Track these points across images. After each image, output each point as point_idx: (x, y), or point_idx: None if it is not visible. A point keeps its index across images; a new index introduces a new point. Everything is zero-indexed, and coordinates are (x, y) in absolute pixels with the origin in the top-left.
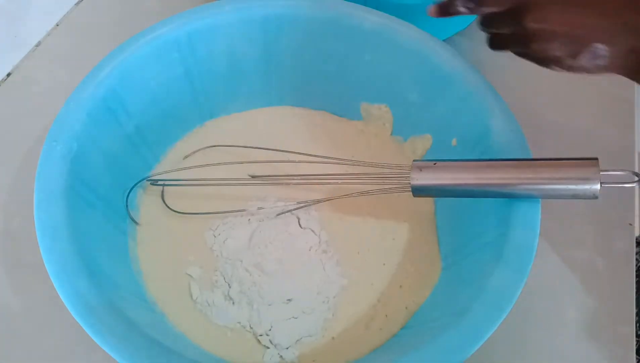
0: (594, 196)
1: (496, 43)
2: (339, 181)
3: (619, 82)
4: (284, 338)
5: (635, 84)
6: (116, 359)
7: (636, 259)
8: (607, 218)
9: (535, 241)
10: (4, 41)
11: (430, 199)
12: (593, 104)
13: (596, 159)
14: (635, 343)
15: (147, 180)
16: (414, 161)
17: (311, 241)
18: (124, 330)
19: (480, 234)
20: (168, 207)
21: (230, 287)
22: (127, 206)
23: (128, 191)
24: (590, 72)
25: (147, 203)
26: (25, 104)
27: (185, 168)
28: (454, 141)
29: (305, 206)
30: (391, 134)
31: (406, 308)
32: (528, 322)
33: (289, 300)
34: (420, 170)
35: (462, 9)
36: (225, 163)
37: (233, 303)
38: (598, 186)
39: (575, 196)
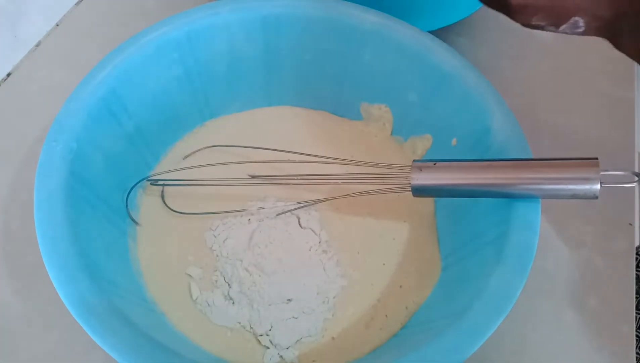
0: (594, 196)
1: (485, 3)
2: (339, 181)
3: (619, 82)
4: (284, 338)
5: (635, 84)
6: (116, 359)
7: (636, 259)
8: (607, 218)
9: (535, 241)
10: (4, 41)
11: (430, 199)
12: (593, 104)
13: (596, 159)
14: (635, 343)
15: (147, 180)
16: (414, 161)
17: (311, 241)
18: (124, 330)
19: (480, 234)
20: (168, 207)
21: (230, 287)
22: (127, 206)
23: (128, 191)
24: (573, 34)
25: (147, 203)
26: (25, 104)
27: (185, 168)
28: (454, 141)
29: (305, 206)
30: (391, 134)
31: (406, 308)
32: (528, 322)
33: (289, 300)
34: (420, 170)
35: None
36: (225, 163)
37: (233, 303)
38: (598, 186)
39: (575, 196)
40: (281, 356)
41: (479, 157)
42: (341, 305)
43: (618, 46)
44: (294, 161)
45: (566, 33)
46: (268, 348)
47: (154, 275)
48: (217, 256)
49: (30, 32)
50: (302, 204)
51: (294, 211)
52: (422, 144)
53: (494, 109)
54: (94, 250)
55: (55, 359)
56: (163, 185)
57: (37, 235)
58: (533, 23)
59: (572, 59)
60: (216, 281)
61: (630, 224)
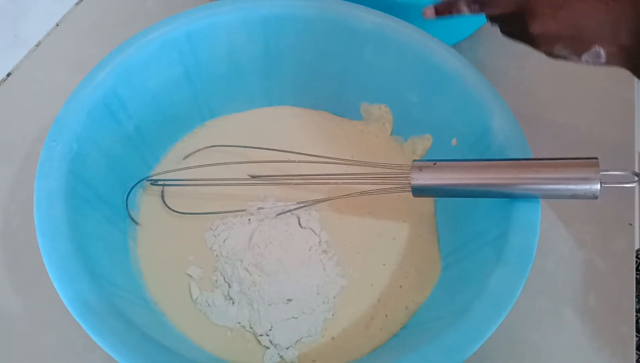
0: (594, 196)
1: (506, 34)
2: (339, 181)
3: (619, 82)
4: (284, 338)
5: (635, 84)
6: (116, 359)
7: (636, 258)
8: (607, 218)
9: (535, 241)
10: (4, 41)
11: (430, 199)
12: (593, 104)
13: (596, 159)
14: (635, 342)
15: (147, 180)
16: (414, 161)
17: (311, 241)
18: (124, 330)
19: (480, 234)
20: (168, 207)
21: (230, 287)
22: (127, 206)
23: (128, 191)
24: (597, 65)
25: (147, 203)
26: (25, 104)
27: (185, 168)
28: (454, 141)
29: (305, 206)
30: (391, 134)
31: (406, 308)
32: (528, 322)
33: (289, 300)
34: (420, 170)
35: (464, 9)
36: (225, 163)
37: (233, 303)
38: (598, 186)
39: (575, 196)
40: (281, 356)
41: (479, 157)
42: (341, 305)
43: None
44: (294, 161)
45: (589, 64)
46: (268, 348)
47: (154, 275)
48: (217, 256)
49: (30, 32)
50: (302, 205)
51: (294, 211)
52: (422, 144)
53: (494, 109)
54: (94, 250)
55: (55, 359)
56: (163, 185)
57: (37, 235)
58: (555, 53)
59: None
60: (216, 281)
61: (630, 224)
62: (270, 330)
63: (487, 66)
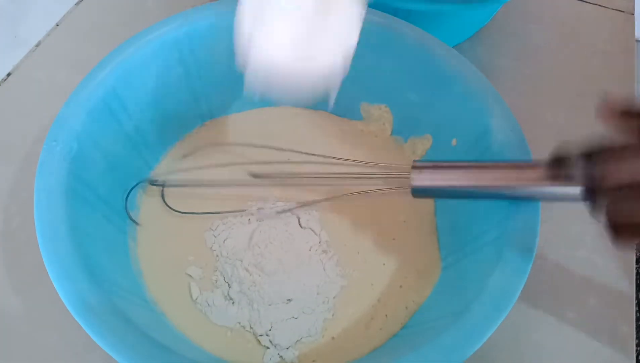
0: None
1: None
2: (339, 181)
3: (619, 82)
4: (284, 338)
5: (635, 84)
6: (116, 359)
7: (636, 260)
8: None
9: (536, 241)
10: (4, 41)
11: (430, 200)
12: (593, 104)
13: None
14: (635, 342)
15: (148, 181)
16: (414, 161)
17: (311, 241)
18: (124, 330)
19: (480, 234)
20: (168, 207)
21: (230, 287)
22: (126, 207)
23: (127, 192)
24: None
25: (147, 203)
26: (25, 104)
27: (185, 169)
28: (454, 141)
29: (305, 206)
30: (391, 134)
31: (406, 308)
32: (528, 322)
33: (289, 300)
34: (420, 171)
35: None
36: (225, 164)
37: (233, 303)
38: None
39: (577, 199)
40: (281, 356)
41: (479, 157)
42: (341, 305)
43: None
44: (294, 162)
45: None
46: (268, 348)
47: (154, 275)
48: (217, 256)
49: (30, 32)
50: (302, 204)
51: (294, 211)
52: (422, 145)
53: (494, 109)
54: (94, 250)
55: (55, 359)
56: (163, 185)
57: (37, 235)
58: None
59: (572, 59)
60: (216, 281)
61: None
62: (270, 330)
63: (487, 66)
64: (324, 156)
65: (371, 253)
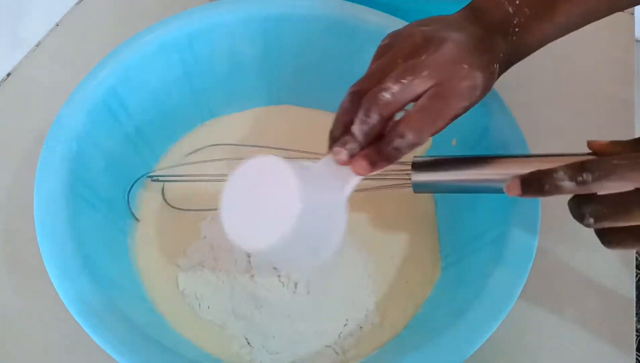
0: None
1: (619, 239)
2: None
3: (619, 82)
4: (283, 344)
5: (635, 84)
6: (116, 359)
7: (636, 258)
8: None
9: (535, 241)
10: (4, 41)
11: (430, 199)
12: (593, 104)
13: (593, 153)
14: (635, 342)
15: (148, 176)
16: (414, 157)
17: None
18: (124, 330)
19: (481, 234)
20: (168, 204)
21: (230, 288)
22: (128, 202)
23: (129, 187)
24: None
25: (147, 203)
26: (25, 104)
27: (185, 164)
28: (454, 141)
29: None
30: None
31: (413, 305)
32: (528, 322)
33: (290, 305)
34: (420, 167)
35: (565, 184)
36: (225, 158)
37: (233, 306)
38: None
39: (574, 191)
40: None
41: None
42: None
43: None
44: (295, 159)
45: None
46: (269, 352)
47: (154, 275)
48: (217, 258)
49: (30, 32)
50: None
51: None
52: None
53: (494, 109)
54: (94, 249)
55: (55, 359)
56: (164, 181)
57: (37, 235)
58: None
59: (572, 59)
60: (216, 281)
61: None
62: (271, 335)
63: None
64: (324, 154)
65: (372, 253)
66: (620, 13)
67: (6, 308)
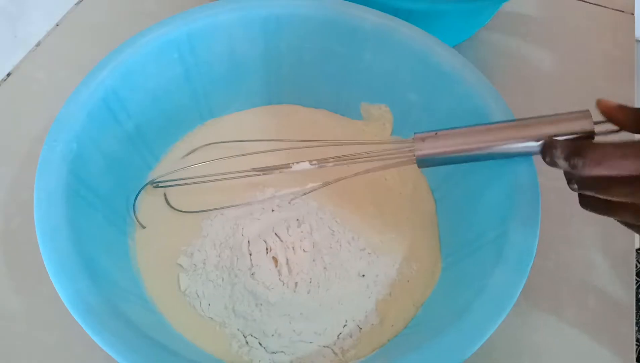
0: None
1: (595, 206)
2: (344, 161)
3: (619, 82)
4: (283, 344)
5: (636, 84)
6: (116, 359)
7: (636, 265)
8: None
9: (535, 241)
10: (4, 41)
11: (431, 199)
12: (593, 104)
13: (587, 111)
14: (635, 342)
15: (152, 184)
16: (415, 133)
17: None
18: (124, 330)
19: (481, 234)
20: (170, 206)
21: (231, 287)
22: (134, 211)
23: (134, 197)
24: None
25: (147, 203)
26: (25, 104)
27: (186, 166)
28: None
29: (311, 190)
30: (391, 134)
31: (413, 305)
32: (528, 322)
33: (290, 305)
34: (423, 141)
35: (560, 162)
36: (226, 157)
37: (233, 304)
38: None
39: (567, 169)
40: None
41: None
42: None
43: None
44: (296, 148)
45: None
46: (273, 352)
47: (154, 275)
48: (219, 255)
49: (30, 32)
50: (309, 188)
51: (298, 206)
52: None
53: (494, 109)
54: (94, 249)
55: (55, 359)
56: (165, 186)
57: (37, 235)
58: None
59: (572, 58)
60: (216, 282)
61: None
62: (272, 335)
63: (487, 66)
64: (325, 141)
65: (373, 253)
66: (621, 13)
67: (6, 308)
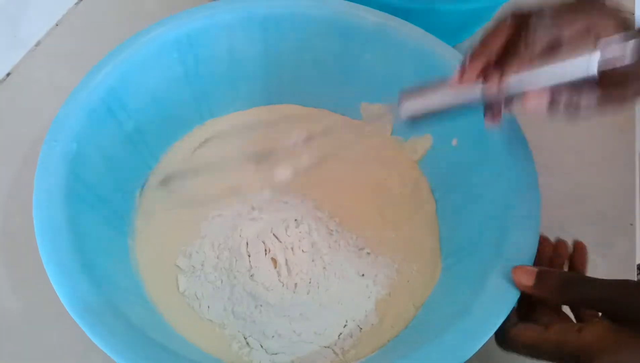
0: (592, 76)
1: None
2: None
3: None
4: (283, 344)
5: None
6: (114, 359)
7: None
8: (608, 218)
9: (536, 241)
10: (4, 41)
11: (431, 199)
12: None
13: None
14: None
15: (158, 187)
16: (399, 92)
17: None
18: (123, 331)
19: (481, 234)
20: (170, 205)
21: (230, 289)
22: (134, 211)
23: (134, 197)
24: None
25: (146, 203)
26: (25, 104)
27: (186, 168)
28: (454, 141)
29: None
30: (391, 134)
31: (413, 305)
32: None
33: (290, 305)
34: (409, 97)
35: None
36: (226, 157)
37: (233, 306)
38: (597, 59)
39: (574, 75)
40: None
41: (481, 157)
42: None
43: None
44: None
45: None
46: (274, 353)
47: (153, 275)
48: (217, 257)
49: (30, 32)
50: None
51: (295, 205)
52: (422, 144)
53: None
54: (93, 250)
55: (55, 359)
56: (166, 185)
57: (37, 235)
58: None
59: None
60: (216, 282)
61: (631, 224)
62: (272, 336)
63: None
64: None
65: (376, 250)
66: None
67: (6, 308)
